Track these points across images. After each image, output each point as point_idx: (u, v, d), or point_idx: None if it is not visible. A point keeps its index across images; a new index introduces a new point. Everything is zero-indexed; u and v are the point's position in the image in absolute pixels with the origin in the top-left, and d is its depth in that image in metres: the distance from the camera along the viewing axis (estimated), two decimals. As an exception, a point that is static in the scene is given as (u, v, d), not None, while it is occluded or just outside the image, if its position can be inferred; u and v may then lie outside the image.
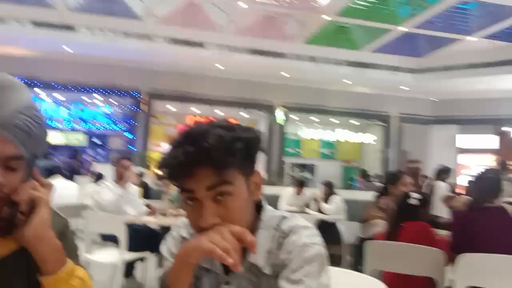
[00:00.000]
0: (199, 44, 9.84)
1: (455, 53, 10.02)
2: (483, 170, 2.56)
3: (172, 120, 13.77)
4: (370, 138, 13.38)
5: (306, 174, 10.85)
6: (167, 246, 1.08)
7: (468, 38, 9.32)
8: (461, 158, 13.54)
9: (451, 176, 7.79)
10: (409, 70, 11.08)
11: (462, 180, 10.70)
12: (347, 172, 14.00)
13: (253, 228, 0.97)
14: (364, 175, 11.48)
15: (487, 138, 13.25)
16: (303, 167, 11.45)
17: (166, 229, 3.81)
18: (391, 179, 3.50)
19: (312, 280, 0.89)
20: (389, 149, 12.86)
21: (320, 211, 6.03)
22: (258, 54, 10.18)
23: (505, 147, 12.80)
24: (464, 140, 13.35)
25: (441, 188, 6.52)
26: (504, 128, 12.87)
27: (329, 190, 6.13)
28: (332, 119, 13.03)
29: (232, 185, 0.89)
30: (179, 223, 1.11)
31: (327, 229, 5.13)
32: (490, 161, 13.38)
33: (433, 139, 12.91)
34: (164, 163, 0.91)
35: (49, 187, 0.92)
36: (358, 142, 13.76)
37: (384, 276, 2.59)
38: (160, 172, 0.96)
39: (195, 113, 13.27)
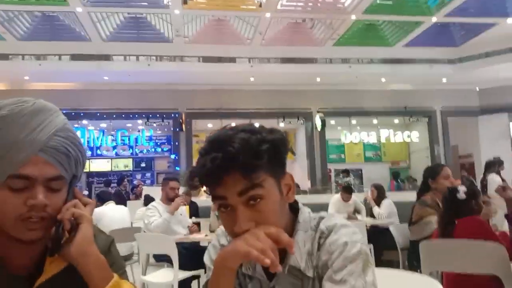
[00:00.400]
0: (231, 59, 10.00)
1: (494, 38, 9.59)
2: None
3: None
4: (415, 136, 12.94)
5: (352, 180, 10.62)
6: (209, 255, 1.08)
7: (509, 20, 8.89)
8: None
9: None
10: (447, 61, 10.70)
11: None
12: (396, 173, 13.62)
13: (291, 230, 0.96)
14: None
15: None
16: (348, 172, 11.23)
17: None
18: (430, 173, 3.31)
19: (356, 279, 0.86)
20: (437, 145, 12.40)
21: (372, 215, 5.87)
22: (290, 62, 10.20)
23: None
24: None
25: (494, 180, 6.19)
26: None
27: (379, 193, 5.95)
28: (374, 120, 12.77)
29: (263, 188, 0.88)
30: (218, 232, 1.12)
31: (381, 235, 4.95)
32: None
33: (483, 130, 12.31)
34: (194, 173, 0.90)
35: (90, 205, 0.95)
36: (404, 141, 13.31)
37: (446, 278, 2.47)
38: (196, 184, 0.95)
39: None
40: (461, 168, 13.03)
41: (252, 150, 0.86)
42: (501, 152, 9.74)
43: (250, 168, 0.85)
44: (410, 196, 4.92)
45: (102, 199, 5.13)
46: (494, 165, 6.86)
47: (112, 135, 12.60)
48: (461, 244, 2.31)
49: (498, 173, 6.88)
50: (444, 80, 11.40)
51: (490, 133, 12.16)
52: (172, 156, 11.82)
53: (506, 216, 2.79)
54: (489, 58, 10.13)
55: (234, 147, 0.85)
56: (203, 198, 6.63)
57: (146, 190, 8.54)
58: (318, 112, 11.85)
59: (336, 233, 0.92)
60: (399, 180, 12.42)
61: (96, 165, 12.71)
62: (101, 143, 12.43)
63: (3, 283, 0.84)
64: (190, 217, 4.71)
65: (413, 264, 3.31)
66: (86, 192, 11.79)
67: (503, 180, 6.68)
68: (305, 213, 1.00)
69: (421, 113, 12.47)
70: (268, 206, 0.89)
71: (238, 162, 0.84)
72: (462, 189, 2.54)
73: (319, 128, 11.80)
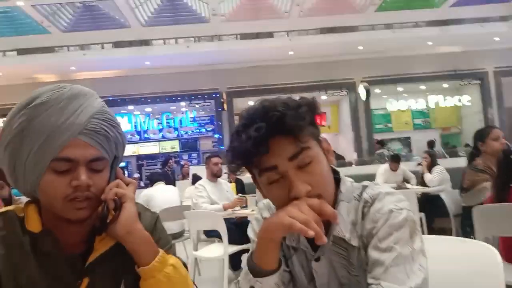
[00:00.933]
0: (268, 34, 9.87)
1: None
2: None
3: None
4: (466, 100, 12.29)
5: (387, 151, 10.23)
6: (252, 228, 1.08)
7: None
8: None
9: None
10: (500, 18, 9.99)
11: None
12: (447, 140, 13.07)
13: (334, 201, 0.94)
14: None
15: None
16: (382, 143, 10.83)
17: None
18: (479, 136, 3.13)
19: (404, 246, 0.83)
20: (490, 108, 11.74)
21: (422, 184, 5.69)
22: (329, 32, 9.92)
23: None
24: None
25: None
26: None
27: (431, 160, 5.74)
28: (421, 86, 12.23)
29: (311, 149, 0.88)
30: (260, 205, 1.11)
31: (432, 202, 4.82)
32: None
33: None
34: (235, 152, 0.89)
35: (132, 184, 0.97)
36: (454, 106, 12.69)
37: (503, 243, 2.36)
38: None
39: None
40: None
41: (296, 111, 0.85)
42: None
43: (297, 130, 0.85)
44: (462, 162, 4.72)
45: (151, 180, 5.29)
46: None
47: (157, 119, 12.92)
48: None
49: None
50: (497, 39, 10.67)
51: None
52: (216, 136, 11.97)
53: None
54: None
55: (279, 111, 0.84)
56: (249, 175, 6.68)
57: (193, 169, 8.73)
58: (361, 81, 11.51)
59: (380, 201, 0.89)
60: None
61: (144, 149, 13.11)
62: (147, 127, 12.79)
63: (61, 262, 0.88)
64: (236, 194, 4.77)
65: (467, 231, 3.19)
66: (137, 175, 12.23)
67: None
68: (347, 182, 0.97)
69: (472, 76, 11.81)
70: (318, 167, 0.88)
71: (285, 126, 0.84)
72: (516, 149, 2.39)
73: (363, 98, 11.49)
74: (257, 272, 0.88)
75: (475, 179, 2.93)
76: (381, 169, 6.34)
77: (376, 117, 12.56)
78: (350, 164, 9.66)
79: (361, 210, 0.91)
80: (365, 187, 0.96)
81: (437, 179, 5.42)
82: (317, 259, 0.95)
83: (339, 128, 13.80)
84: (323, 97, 11.87)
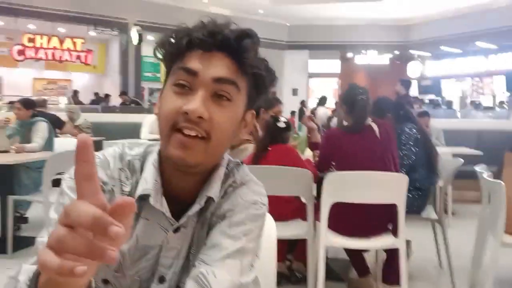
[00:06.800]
0: None
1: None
2: (353, 91, 2.62)
3: (3, 39, 11.76)
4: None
5: None
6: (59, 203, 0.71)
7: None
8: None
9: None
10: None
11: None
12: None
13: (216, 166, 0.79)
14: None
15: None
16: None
17: (6, 169, 3.24)
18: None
19: (250, 241, 0.75)
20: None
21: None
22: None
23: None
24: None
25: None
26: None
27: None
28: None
29: (238, 92, 0.73)
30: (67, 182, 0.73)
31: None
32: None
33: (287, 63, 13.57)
34: (177, 36, 0.73)
35: None
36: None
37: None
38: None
39: (32, 31, 11.46)
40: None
41: (253, 45, 0.73)
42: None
43: (240, 57, 0.72)
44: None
45: None
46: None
47: None
48: (272, 170, 2.44)
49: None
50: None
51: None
52: None
53: (311, 144, 3.09)
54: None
55: (233, 31, 0.72)
56: None
57: None
58: (135, 24, 10.97)
59: (248, 188, 0.79)
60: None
61: None
62: None
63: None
64: None
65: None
66: None
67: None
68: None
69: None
70: (228, 112, 0.73)
71: (233, 45, 0.71)
72: (282, 119, 2.68)
73: (135, 42, 11.02)
74: None
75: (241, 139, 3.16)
76: (149, 119, 6.22)
77: (145, 64, 12.30)
78: (114, 109, 9.18)
79: (224, 188, 0.79)
80: (236, 165, 0.83)
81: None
82: (177, 230, 0.76)
83: (106, 70, 12.98)
84: (91, 33, 10.83)
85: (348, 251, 2.66)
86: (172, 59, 0.74)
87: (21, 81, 12.73)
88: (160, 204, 0.73)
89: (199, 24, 0.73)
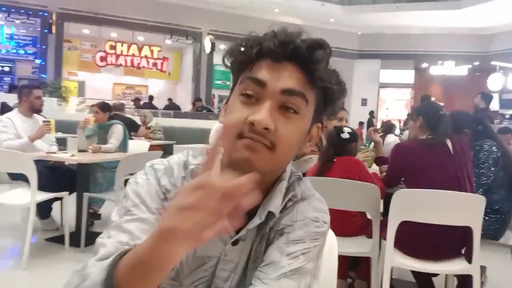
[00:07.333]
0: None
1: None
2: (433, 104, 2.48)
3: (88, 46, 12.63)
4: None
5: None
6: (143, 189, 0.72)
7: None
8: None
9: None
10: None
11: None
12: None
13: (277, 177, 0.76)
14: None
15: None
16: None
17: (83, 167, 3.46)
18: None
19: (308, 261, 0.71)
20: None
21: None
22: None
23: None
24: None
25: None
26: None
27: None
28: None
29: (306, 105, 0.70)
30: (157, 166, 0.76)
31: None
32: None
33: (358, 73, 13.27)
34: (246, 44, 0.72)
35: None
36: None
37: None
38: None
39: (114, 39, 12.23)
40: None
41: (325, 57, 0.71)
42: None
43: (311, 70, 0.69)
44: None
45: None
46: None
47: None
48: (336, 182, 2.36)
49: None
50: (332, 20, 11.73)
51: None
52: (38, 61, 10.38)
53: (376, 159, 2.96)
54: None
55: (317, 41, 0.71)
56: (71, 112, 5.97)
57: (2, 97, 7.36)
58: (208, 34, 11.33)
59: (309, 204, 0.76)
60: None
61: None
62: None
63: None
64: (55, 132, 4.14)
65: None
66: None
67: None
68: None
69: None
70: (295, 125, 0.70)
71: (304, 56, 0.69)
72: (347, 130, 2.59)
73: (207, 51, 11.36)
74: None
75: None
76: (217, 126, 6.38)
77: (217, 72, 12.64)
78: (185, 115, 9.52)
79: (284, 202, 0.76)
80: (298, 178, 0.80)
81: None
82: (235, 242, 0.74)
83: (180, 77, 13.49)
84: (168, 42, 11.33)
85: (416, 274, 2.51)
86: (240, 67, 0.72)
87: (103, 85, 13.60)
88: None
89: (270, 33, 0.71)
